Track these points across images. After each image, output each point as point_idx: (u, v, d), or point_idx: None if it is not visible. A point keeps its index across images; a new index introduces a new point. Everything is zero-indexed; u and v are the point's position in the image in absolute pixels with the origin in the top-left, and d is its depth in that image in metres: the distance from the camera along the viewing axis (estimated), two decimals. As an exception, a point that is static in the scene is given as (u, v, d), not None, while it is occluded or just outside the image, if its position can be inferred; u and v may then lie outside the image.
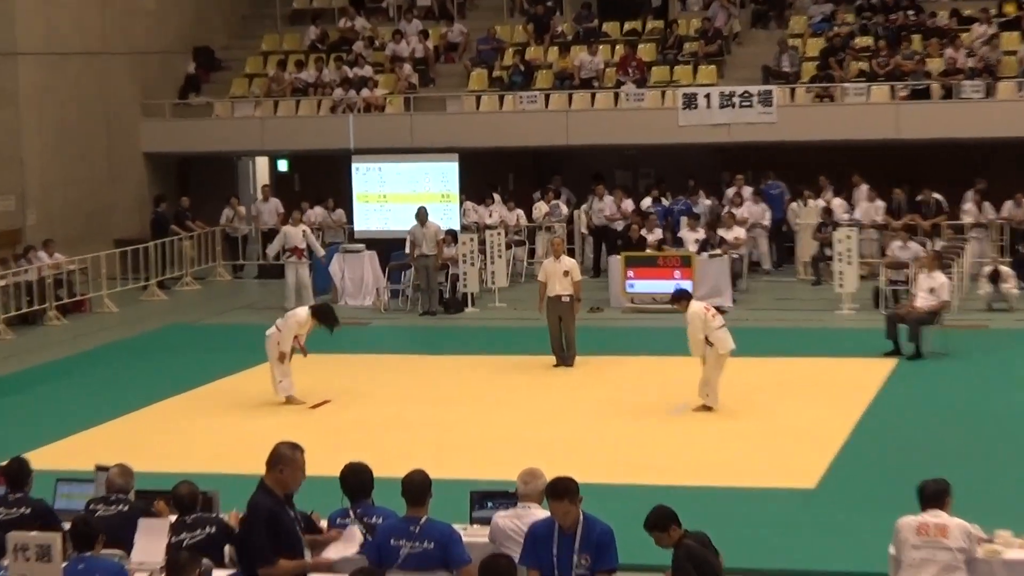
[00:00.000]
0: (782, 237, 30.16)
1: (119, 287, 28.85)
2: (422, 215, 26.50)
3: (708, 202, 29.97)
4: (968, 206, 28.50)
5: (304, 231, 27.66)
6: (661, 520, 9.33)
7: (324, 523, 10.35)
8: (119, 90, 33.03)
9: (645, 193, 30.81)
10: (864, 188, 29.57)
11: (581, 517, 9.10)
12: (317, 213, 31.30)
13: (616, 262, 26.54)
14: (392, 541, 9.39)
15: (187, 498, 10.41)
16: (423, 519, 9.39)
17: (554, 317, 21.31)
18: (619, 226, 29.16)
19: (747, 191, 29.77)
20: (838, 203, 29.06)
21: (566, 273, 21.35)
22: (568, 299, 21.29)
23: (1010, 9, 32.49)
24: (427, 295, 26.50)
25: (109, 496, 10.89)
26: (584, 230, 30.44)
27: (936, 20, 32.39)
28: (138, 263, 29.54)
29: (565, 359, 21.36)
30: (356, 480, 10.16)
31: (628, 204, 29.82)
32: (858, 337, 23.07)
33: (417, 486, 9.52)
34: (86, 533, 9.62)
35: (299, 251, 27.20)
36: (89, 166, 32.05)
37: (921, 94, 30.34)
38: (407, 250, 27.04)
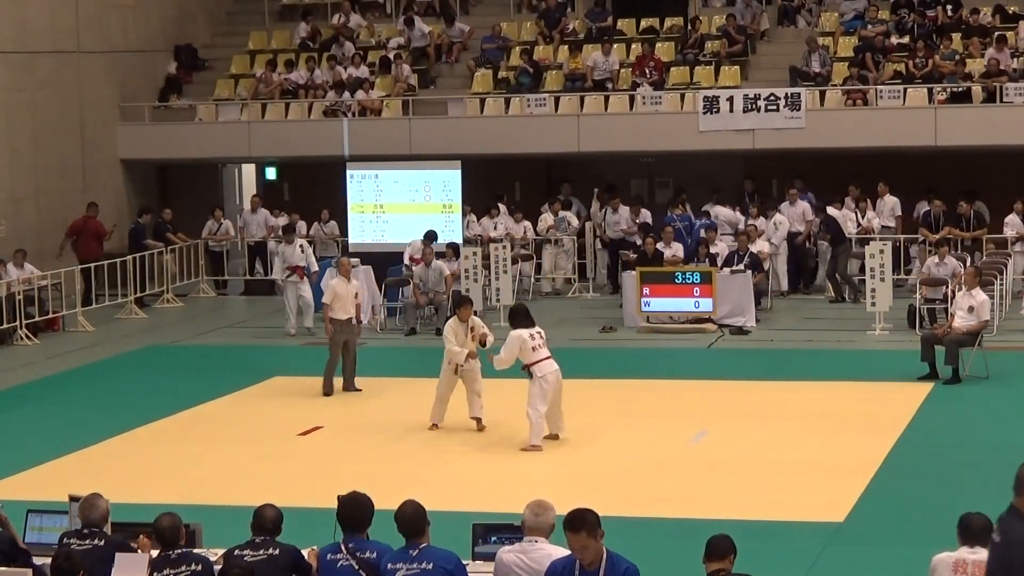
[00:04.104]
0: (804, 252, 29.99)
1: (94, 304, 28.98)
2: (428, 254, 26.84)
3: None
4: (1012, 218, 28.60)
5: (302, 245, 27.67)
6: (721, 549, 9.43)
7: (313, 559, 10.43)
8: (94, 92, 33.16)
9: (667, 204, 30.82)
10: (889, 199, 29.68)
11: (604, 554, 9.01)
12: (302, 224, 31.31)
13: (631, 278, 26.61)
14: (389, 565, 9.61)
15: (169, 531, 10.36)
16: (423, 544, 9.56)
17: (341, 340, 21.74)
18: (638, 239, 29.17)
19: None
20: (840, 214, 29.20)
21: (356, 295, 22.16)
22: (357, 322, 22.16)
23: (1059, 5, 32.68)
24: (413, 312, 26.71)
25: (83, 529, 10.87)
26: (597, 244, 30.55)
27: (978, 18, 32.49)
28: (115, 279, 29.65)
29: (345, 385, 21.81)
30: (355, 514, 10.13)
31: (646, 216, 29.92)
32: (891, 360, 23.17)
33: (410, 518, 9.65)
34: (68, 569, 9.72)
35: (299, 269, 27.20)
36: (62, 174, 32.16)
37: (961, 97, 30.46)
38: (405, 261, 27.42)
